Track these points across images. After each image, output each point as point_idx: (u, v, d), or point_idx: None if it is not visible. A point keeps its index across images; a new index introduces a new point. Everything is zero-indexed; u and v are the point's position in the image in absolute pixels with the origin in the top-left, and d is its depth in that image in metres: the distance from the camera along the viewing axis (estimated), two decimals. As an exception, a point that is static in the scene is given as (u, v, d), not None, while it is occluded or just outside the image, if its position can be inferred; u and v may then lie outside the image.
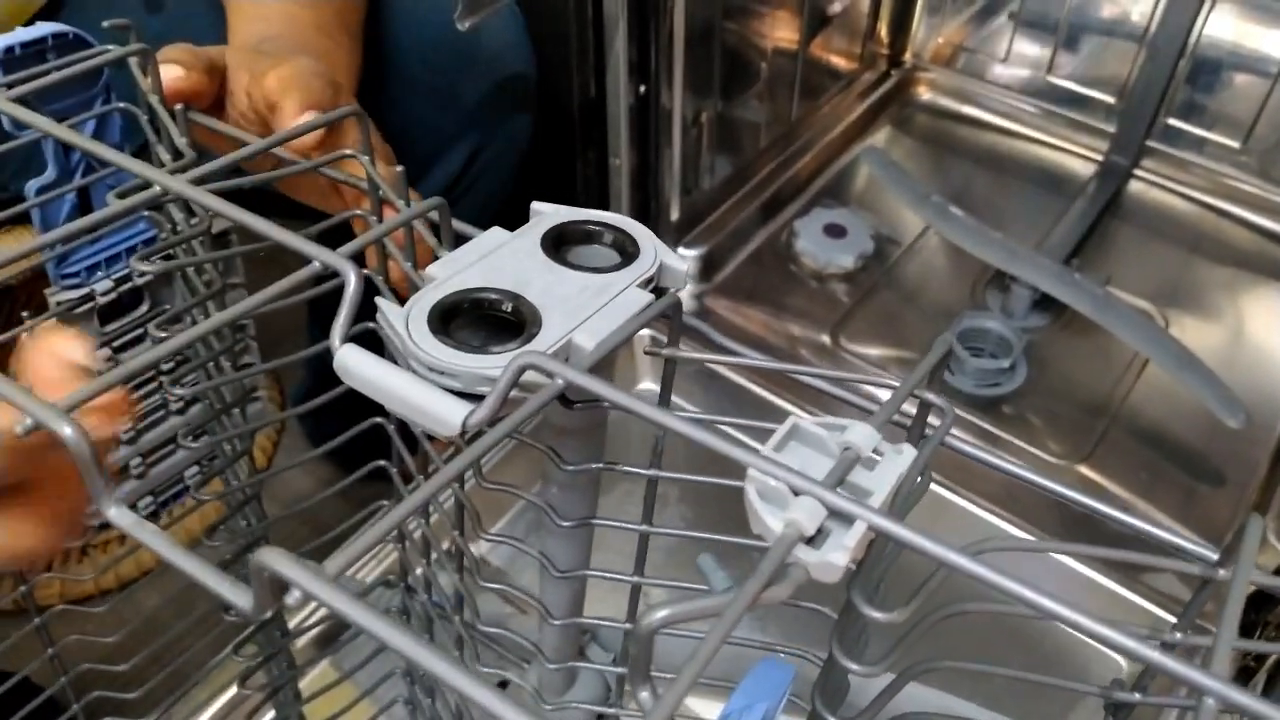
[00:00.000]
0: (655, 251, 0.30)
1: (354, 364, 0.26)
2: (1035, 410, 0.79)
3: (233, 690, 0.64)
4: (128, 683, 0.53)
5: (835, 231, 0.91)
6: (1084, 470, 0.74)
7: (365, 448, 0.47)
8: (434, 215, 0.31)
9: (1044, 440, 0.77)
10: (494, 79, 0.73)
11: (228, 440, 0.47)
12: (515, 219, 0.32)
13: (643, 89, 0.74)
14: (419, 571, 0.50)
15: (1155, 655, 0.17)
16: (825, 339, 0.83)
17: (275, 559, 0.19)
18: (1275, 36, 0.87)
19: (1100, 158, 0.97)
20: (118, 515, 0.23)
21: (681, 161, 0.81)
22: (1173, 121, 0.95)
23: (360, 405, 0.45)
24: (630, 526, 0.33)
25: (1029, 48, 1.00)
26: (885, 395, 0.25)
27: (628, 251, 0.30)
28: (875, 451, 0.22)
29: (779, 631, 0.61)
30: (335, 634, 0.66)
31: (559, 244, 0.30)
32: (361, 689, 0.58)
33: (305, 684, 0.60)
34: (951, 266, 0.90)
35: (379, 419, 0.45)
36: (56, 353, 0.25)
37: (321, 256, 0.26)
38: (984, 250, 0.86)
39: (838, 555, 0.20)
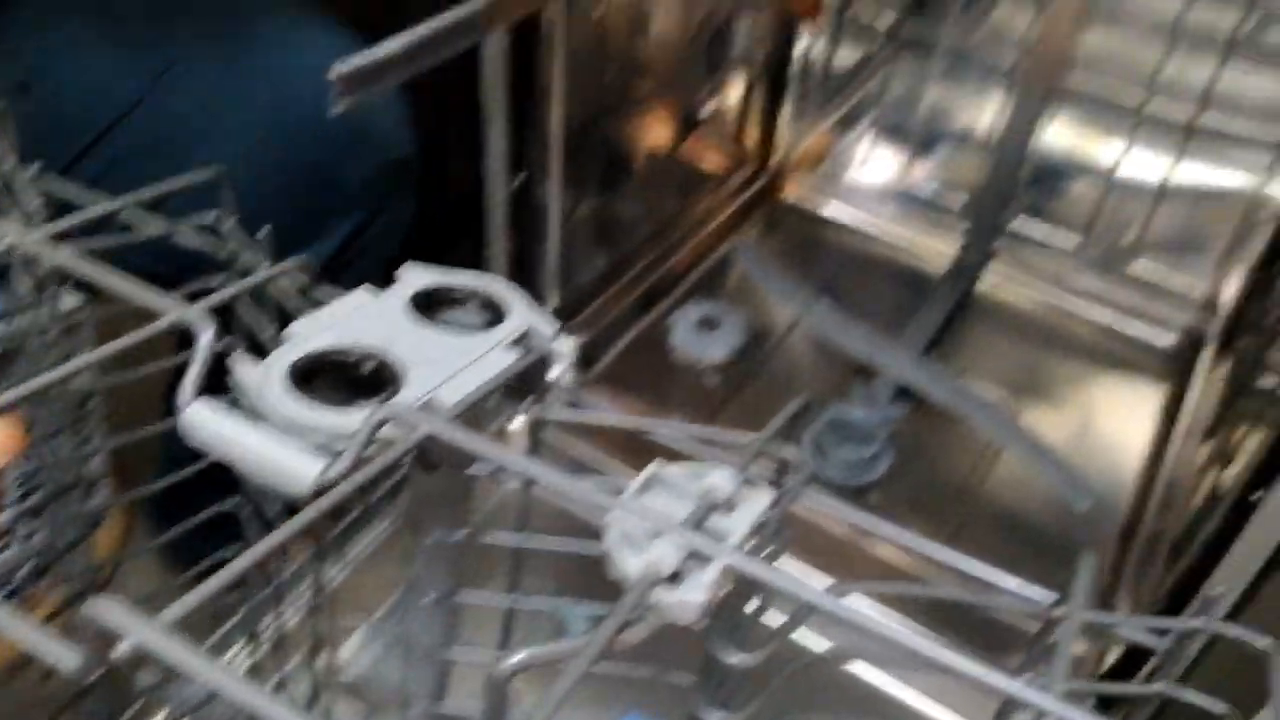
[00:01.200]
0: (525, 313, 0.31)
1: (202, 421, 0.25)
2: (900, 497, 0.81)
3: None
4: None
5: (709, 325, 0.93)
6: (949, 552, 0.77)
7: (220, 544, 0.45)
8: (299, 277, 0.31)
9: (909, 525, 0.79)
10: (376, 161, 0.73)
11: (64, 526, 0.44)
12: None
13: (520, 179, 0.75)
14: (274, 681, 0.47)
15: (997, 679, 0.18)
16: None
17: (107, 608, 0.18)
18: (1106, 144, 0.95)
19: (954, 256, 1.04)
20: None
21: (559, 253, 0.82)
22: (1019, 223, 1.02)
23: (214, 496, 0.44)
24: (495, 598, 0.33)
25: (887, 154, 1.07)
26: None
27: (497, 313, 0.31)
28: (734, 497, 0.23)
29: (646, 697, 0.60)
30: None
31: (427, 305, 0.31)
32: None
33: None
34: (819, 359, 0.93)
35: (229, 504, 0.43)
36: None
37: (172, 310, 0.26)
38: (847, 342, 0.90)
39: (695, 594, 0.20)
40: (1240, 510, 0.59)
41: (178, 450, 0.45)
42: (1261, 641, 0.23)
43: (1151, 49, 0.89)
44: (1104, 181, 0.96)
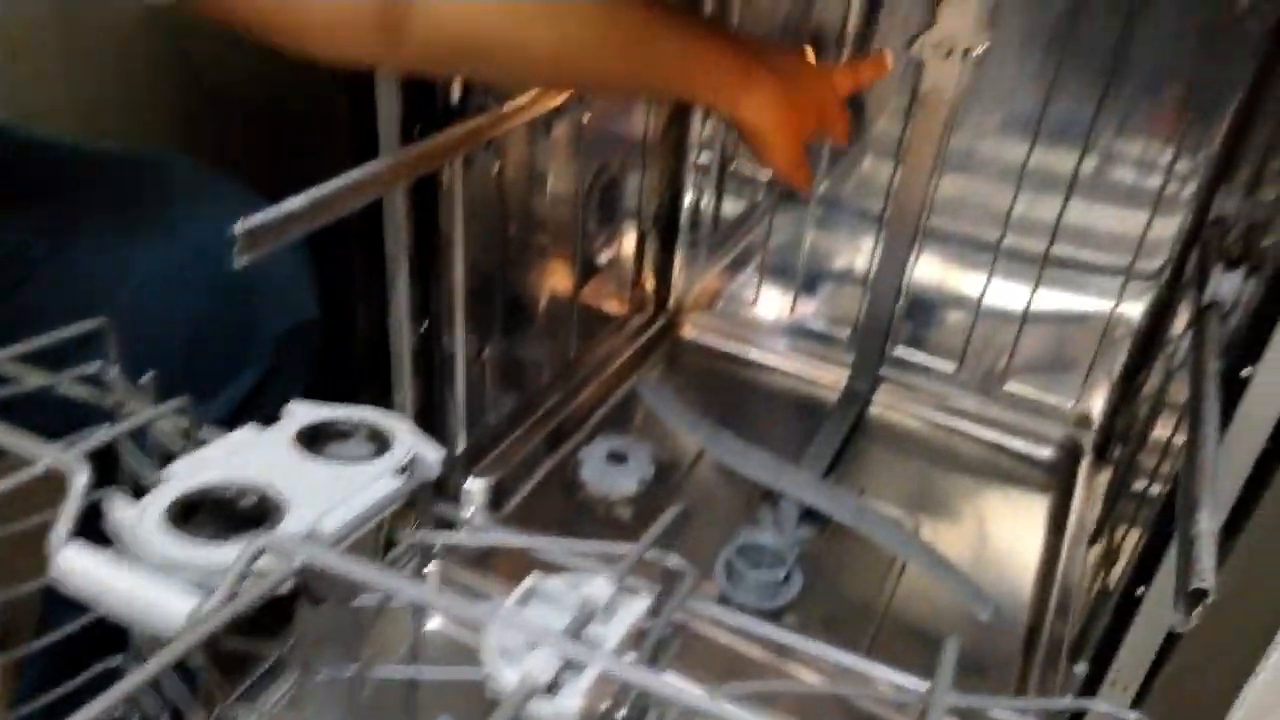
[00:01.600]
0: (409, 443, 0.30)
1: (76, 564, 0.24)
2: (813, 617, 0.81)
3: None
4: None
5: (618, 459, 0.93)
6: (862, 670, 0.75)
7: None
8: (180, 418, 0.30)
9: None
10: (281, 318, 0.73)
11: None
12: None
13: (425, 326, 0.75)
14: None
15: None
16: (613, 561, 0.82)
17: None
18: (971, 277, 1.00)
19: (845, 384, 1.06)
20: None
21: (466, 396, 0.82)
22: (901, 351, 1.06)
23: (99, 655, 0.40)
24: (392, 737, 0.31)
25: (775, 293, 1.10)
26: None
27: (384, 443, 0.30)
28: (612, 605, 0.22)
29: None
30: None
31: (314, 440, 0.30)
32: None
33: None
34: (726, 487, 0.93)
35: (114, 662, 0.41)
36: None
37: (46, 455, 0.25)
38: (752, 469, 0.90)
39: (571, 702, 0.19)
40: (1127, 606, 0.59)
41: (58, 610, 0.42)
42: (1132, 715, 0.23)
43: (1003, 190, 0.95)
44: (973, 311, 1.01)
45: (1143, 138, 0.89)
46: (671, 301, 1.15)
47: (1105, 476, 0.96)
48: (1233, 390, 0.51)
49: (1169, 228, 0.90)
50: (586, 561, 0.29)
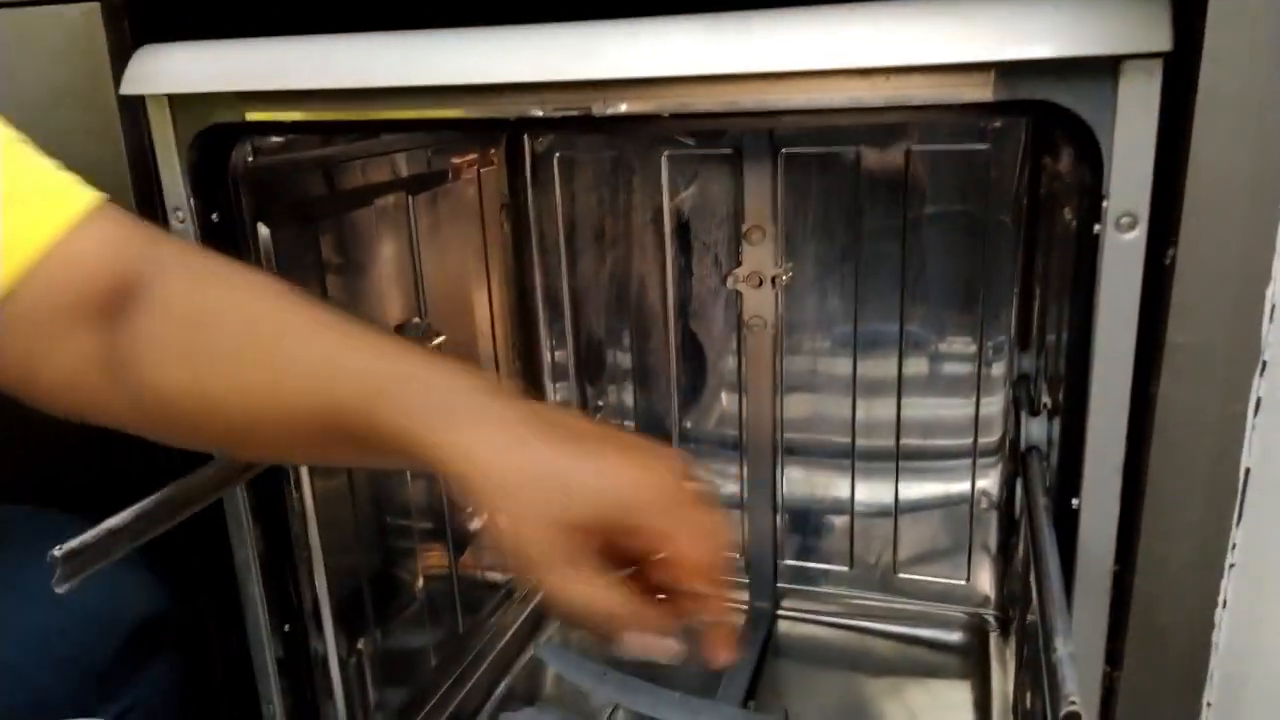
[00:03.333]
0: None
1: None
2: None
3: None
4: None
5: (529, 732, 0.82)
6: None
7: None
8: None
9: None
10: (128, 629, 0.64)
11: None
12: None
13: (288, 629, 0.67)
14: None
15: None
16: None
17: None
18: (838, 482, 0.97)
19: (746, 606, 0.99)
20: None
21: (345, 700, 0.72)
22: (792, 562, 1.00)
23: None
24: None
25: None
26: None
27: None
28: None
29: None
30: None
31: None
32: None
33: None
34: (648, 736, 0.83)
35: None
36: None
37: None
38: (667, 712, 0.81)
39: None
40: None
41: None
42: None
43: (845, 401, 0.94)
44: (848, 512, 0.98)
45: (949, 333, 0.91)
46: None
47: (1011, 648, 0.90)
48: (1067, 522, 0.48)
49: (997, 404, 0.91)
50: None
